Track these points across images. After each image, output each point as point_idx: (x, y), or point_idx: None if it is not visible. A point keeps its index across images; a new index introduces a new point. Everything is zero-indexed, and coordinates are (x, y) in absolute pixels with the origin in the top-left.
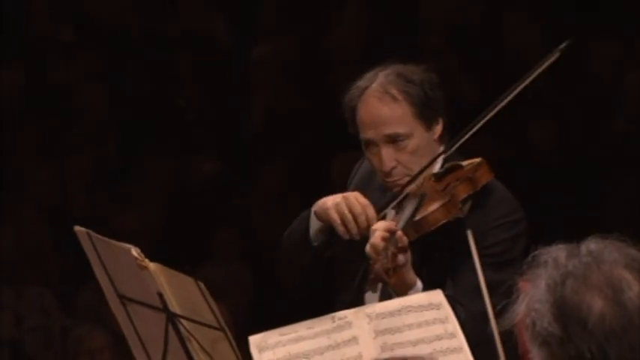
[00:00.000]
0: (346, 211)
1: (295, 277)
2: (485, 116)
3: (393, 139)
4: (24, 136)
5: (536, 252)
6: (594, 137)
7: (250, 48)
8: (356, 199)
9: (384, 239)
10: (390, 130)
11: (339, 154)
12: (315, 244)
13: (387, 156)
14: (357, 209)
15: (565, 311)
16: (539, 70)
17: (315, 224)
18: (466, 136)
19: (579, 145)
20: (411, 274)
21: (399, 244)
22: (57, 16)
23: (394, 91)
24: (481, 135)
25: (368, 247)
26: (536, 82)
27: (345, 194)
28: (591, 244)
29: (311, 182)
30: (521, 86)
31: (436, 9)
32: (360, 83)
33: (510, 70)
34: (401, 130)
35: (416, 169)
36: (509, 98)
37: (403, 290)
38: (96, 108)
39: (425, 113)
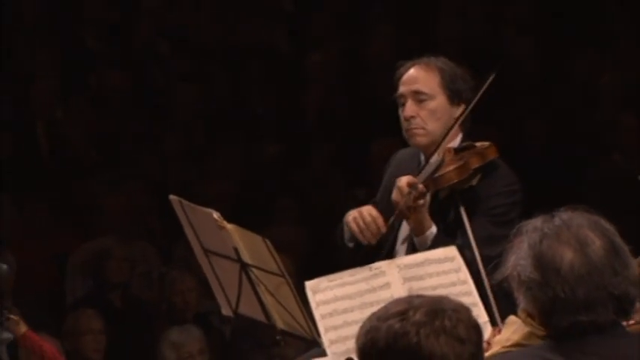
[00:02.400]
0: (361, 223)
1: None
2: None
3: (418, 96)
4: (132, 125)
5: (520, 224)
6: (576, 127)
7: (305, 55)
8: (368, 212)
9: (408, 185)
10: (416, 87)
11: (375, 139)
12: (350, 245)
13: (410, 107)
14: (368, 220)
15: (542, 262)
16: (485, 86)
17: (347, 232)
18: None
19: (564, 134)
20: (427, 219)
21: (420, 190)
22: (156, 32)
23: (431, 64)
24: (488, 126)
25: (394, 193)
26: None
27: (360, 209)
28: (563, 214)
29: (353, 162)
30: (475, 99)
31: (450, 27)
32: (414, 60)
33: (509, 75)
34: (425, 89)
35: (431, 127)
36: (472, 104)
37: (420, 230)
38: (186, 103)
39: (449, 87)
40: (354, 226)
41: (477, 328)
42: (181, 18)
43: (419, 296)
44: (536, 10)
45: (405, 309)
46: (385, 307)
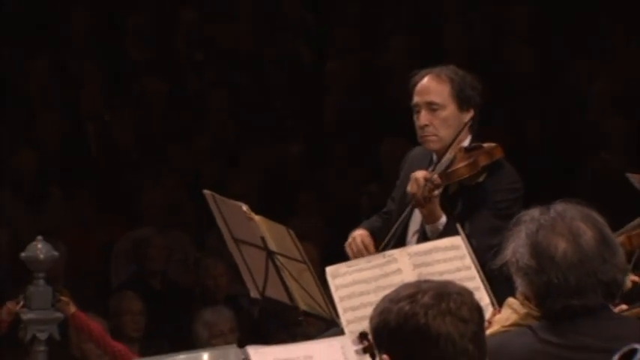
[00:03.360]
0: (354, 249)
1: None
2: None
3: (431, 106)
4: (169, 126)
5: (519, 214)
6: (569, 128)
7: (324, 64)
8: (361, 240)
9: (424, 178)
10: (429, 98)
11: (386, 139)
12: None
13: (424, 116)
14: (360, 247)
15: (538, 251)
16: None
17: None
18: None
19: (558, 134)
20: (439, 210)
21: (435, 183)
22: (191, 43)
23: (443, 75)
24: (491, 127)
25: (410, 185)
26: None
27: (354, 235)
28: (557, 206)
29: (366, 159)
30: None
31: (456, 38)
32: (427, 70)
33: (510, 82)
34: (437, 99)
35: (443, 133)
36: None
37: (432, 219)
38: (217, 107)
39: (459, 96)
40: (348, 250)
41: (479, 310)
42: (214, 31)
43: (427, 281)
44: (535, 24)
45: (414, 292)
46: (396, 291)
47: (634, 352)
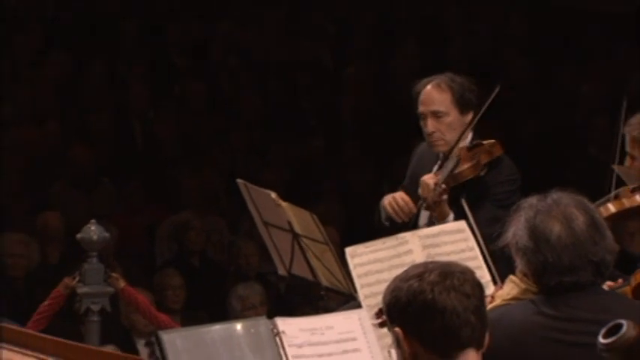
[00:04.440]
0: (395, 206)
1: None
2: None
3: (436, 114)
4: (207, 124)
5: (519, 202)
6: (561, 126)
7: (344, 68)
8: (401, 197)
9: (434, 184)
10: (434, 108)
11: (398, 135)
12: (387, 224)
13: (431, 124)
14: (401, 203)
15: (536, 233)
16: (489, 100)
17: (383, 213)
18: (469, 127)
19: (551, 131)
20: (447, 208)
21: (442, 188)
22: (227, 50)
23: (443, 85)
24: (491, 125)
25: (421, 189)
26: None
27: (393, 195)
28: (553, 194)
29: (380, 153)
30: (483, 109)
31: (461, 46)
32: (428, 79)
33: (508, 85)
34: (441, 108)
35: (449, 137)
36: (480, 113)
37: (442, 217)
38: (249, 107)
39: (460, 102)
40: (389, 208)
41: (480, 286)
42: (247, 39)
43: (433, 262)
44: (531, 35)
45: (421, 272)
46: (405, 271)
47: (619, 326)
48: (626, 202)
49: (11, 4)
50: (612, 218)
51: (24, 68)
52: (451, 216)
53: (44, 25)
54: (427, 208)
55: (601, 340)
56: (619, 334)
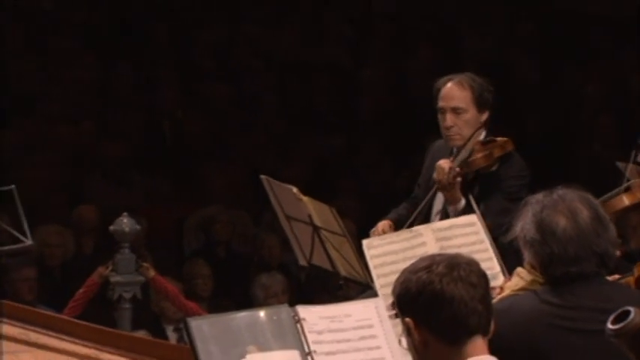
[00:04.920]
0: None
1: None
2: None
3: (455, 110)
4: (232, 122)
5: (527, 197)
6: (567, 124)
7: (361, 69)
8: (382, 229)
9: (449, 167)
10: (454, 104)
11: (414, 132)
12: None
13: (449, 119)
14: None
15: (543, 226)
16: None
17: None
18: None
19: (558, 129)
20: (459, 194)
21: (457, 171)
22: (250, 52)
23: (465, 83)
24: (501, 123)
25: (436, 173)
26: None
27: (378, 224)
28: (559, 190)
29: (397, 150)
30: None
31: (472, 48)
32: (448, 77)
33: (517, 84)
34: (461, 104)
35: (465, 132)
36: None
37: (454, 201)
38: (272, 108)
39: (478, 100)
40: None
41: (485, 277)
42: (269, 42)
43: (439, 254)
44: (538, 38)
45: (429, 264)
46: (413, 264)
47: (627, 313)
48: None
49: (48, 9)
50: (626, 210)
51: (60, 70)
52: (462, 202)
53: (79, 29)
54: (441, 190)
55: (610, 326)
56: (627, 320)
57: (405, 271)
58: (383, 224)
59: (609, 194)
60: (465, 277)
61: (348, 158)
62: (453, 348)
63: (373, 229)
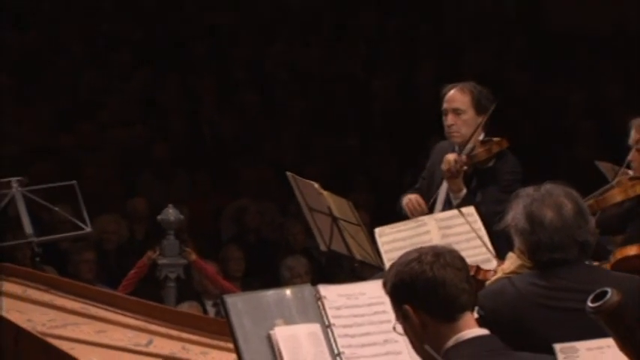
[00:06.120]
0: (411, 207)
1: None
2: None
3: (456, 111)
4: (261, 125)
5: (518, 191)
6: (553, 128)
7: (373, 79)
8: (416, 200)
9: (455, 159)
10: (455, 105)
11: (418, 135)
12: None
13: (450, 118)
14: (416, 205)
15: (532, 217)
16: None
17: (404, 209)
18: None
19: (545, 133)
20: (462, 184)
21: (463, 161)
22: (278, 65)
23: (466, 89)
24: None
25: (443, 164)
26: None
27: (410, 197)
28: (547, 185)
29: (405, 151)
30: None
31: (471, 61)
32: (454, 84)
33: (510, 94)
34: (461, 106)
35: (464, 131)
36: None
37: (457, 190)
38: (297, 113)
39: (477, 104)
40: (406, 208)
41: (464, 261)
42: (295, 56)
43: (422, 247)
44: (529, 53)
45: (418, 256)
46: (401, 258)
47: (605, 293)
48: (630, 192)
49: (104, 29)
50: (618, 204)
51: (116, 82)
52: (464, 191)
53: (132, 46)
54: (448, 179)
55: (589, 304)
56: (605, 299)
57: (395, 265)
58: (415, 196)
59: (601, 190)
60: (450, 262)
61: (362, 158)
62: (448, 324)
63: (406, 201)
